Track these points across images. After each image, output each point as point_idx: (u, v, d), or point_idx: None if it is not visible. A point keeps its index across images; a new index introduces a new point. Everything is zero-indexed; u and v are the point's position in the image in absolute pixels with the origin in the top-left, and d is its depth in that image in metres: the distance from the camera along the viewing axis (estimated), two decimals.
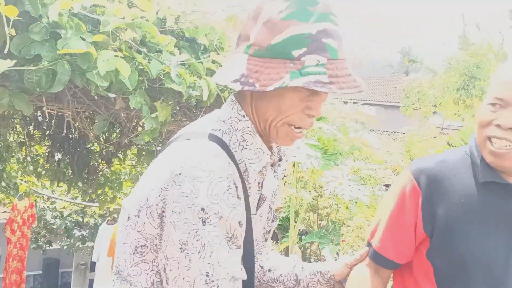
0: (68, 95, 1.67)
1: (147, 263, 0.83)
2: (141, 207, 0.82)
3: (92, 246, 8.03)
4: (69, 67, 1.43)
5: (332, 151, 3.59)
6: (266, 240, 1.10)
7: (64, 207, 9.25)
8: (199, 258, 0.76)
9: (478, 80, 8.68)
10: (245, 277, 0.83)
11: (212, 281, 0.76)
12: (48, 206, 9.14)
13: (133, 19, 1.58)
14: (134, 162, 3.83)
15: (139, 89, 1.65)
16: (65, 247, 10.21)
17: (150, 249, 0.83)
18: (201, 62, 1.91)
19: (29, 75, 1.39)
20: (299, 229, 8.22)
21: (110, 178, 3.84)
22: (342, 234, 6.13)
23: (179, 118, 2.04)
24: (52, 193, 7.25)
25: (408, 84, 10.94)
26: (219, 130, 0.89)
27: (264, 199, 0.99)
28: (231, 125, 0.90)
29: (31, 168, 4.09)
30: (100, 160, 3.60)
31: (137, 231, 0.83)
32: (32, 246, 8.83)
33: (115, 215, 6.67)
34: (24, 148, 3.72)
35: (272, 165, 0.99)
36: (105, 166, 3.68)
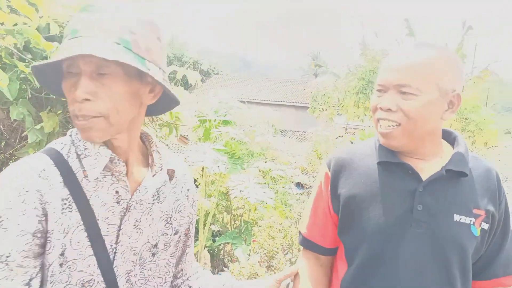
0: None
1: None
2: None
3: None
4: None
5: (239, 155, 3.66)
6: (153, 254, 1.02)
7: None
8: None
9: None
10: None
11: None
12: None
13: (14, 25, 1.48)
14: None
15: (22, 98, 1.54)
16: None
17: None
18: None
19: None
20: (214, 230, 8.25)
21: None
22: (253, 234, 6.28)
23: (71, 126, 1.94)
24: None
25: (315, 87, 11.51)
26: (61, 143, 0.93)
27: (129, 209, 0.95)
28: (76, 136, 0.93)
29: None
30: None
31: None
32: None
33: None
34: None
35: (153, 176, 1.00)
36: None
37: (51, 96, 1.58)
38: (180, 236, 1.10)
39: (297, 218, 7.47)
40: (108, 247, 0.92)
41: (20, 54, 1.56)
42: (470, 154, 1.20)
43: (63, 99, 1.29)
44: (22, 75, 1.54)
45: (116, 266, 0.93)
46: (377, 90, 1.14)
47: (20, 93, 1.51)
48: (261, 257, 6.54)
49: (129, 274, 0.97)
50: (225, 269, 6.94)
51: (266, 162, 6.92)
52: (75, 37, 0.84)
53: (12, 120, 1.54)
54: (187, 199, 1.11)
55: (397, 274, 1.10)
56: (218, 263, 8.27)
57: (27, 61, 1.57)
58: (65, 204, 0.87)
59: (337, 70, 12.21)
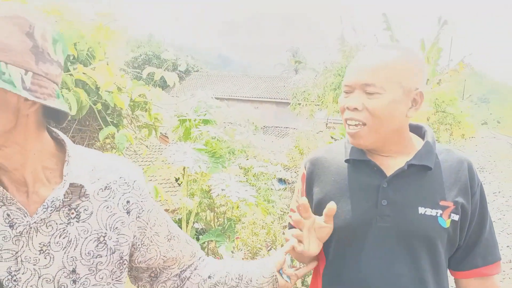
0: None
1: None
2: None
3: None
4: None
5: (220, 154, 3.66)
6: (74, 281, 0.89)
7: None
8: None
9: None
10: None
11: None
12: None
13: None
14: None
15: None
16: None
17: None
18: (70, 74, 1.82)
19: None
20: (197, 228, 8.24)
21: None
22: (237, 231, 6.30)
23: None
24: None
25: (294, 84, 11.58)
26: None
27: (29, 232, 0.85)
28: None
29: None
30: None
31: None
32: None
33: None
34: None
35: (65, 193, 0.89)
36: None
37: None
38: (122, 255, 0.96)
39: (280, 214, 7.53)
40: (5, 274, 0.83)
41: None
42: (443, 147, 1.23)
43: None
44: None
45: None
46: (344, 91, 1.17)
47: None
48: (244, 253, 6.58)
49: None
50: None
51: (247, 159, 6.95)
52: None
53: None
54: (127, 213, 0.96)
55: (367, 267, 1.14)
56: None
57: None
58: None
59: (316, 66, 12.31)
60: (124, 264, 0.98)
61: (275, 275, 1.15)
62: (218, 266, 1.17)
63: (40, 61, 0.80)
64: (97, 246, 0.91)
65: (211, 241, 6.66)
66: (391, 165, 1.17)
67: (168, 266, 1.13)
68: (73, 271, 0.89)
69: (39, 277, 0.86)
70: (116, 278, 0.97)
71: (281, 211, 7.49)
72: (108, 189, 0.94)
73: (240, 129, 3.81)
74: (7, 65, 0.75)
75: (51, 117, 0.91)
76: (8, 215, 0.84)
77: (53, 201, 0.86)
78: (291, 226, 1.34)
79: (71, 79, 1.77)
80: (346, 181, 1.20)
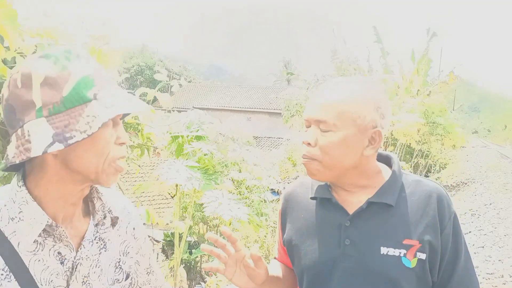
0: None
1: None
2: None
3: None
4: None
5: (213, 171, 3.66)
6: None
7: None
8: None
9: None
10: None
11: None
12: None
13: None
14: None
15: None
16: None
17: None
18: None
19: None
20: (190, 241, 8.16)
21: None
22: None
23: None
24: None
25: (287, 97, 11.64)
26: None
27: (76, 267, 0.89)
28: (10, 198, 0.85)
29: None
30: None
31: None
32: None
33: None
34: None
35: (96, 225, 0.95)
36: None
37: None
38: (132, 279, 1.05)
39: (273, 227, 7.52)
40: None
41: None
42: (412, 178, 1.17)
43: None
44: None
45: None
46: (305, 125, 1.15)
47: None
48: None
49: None
50: (202, 283, 6.89)
51: (240, 171, 6.95)
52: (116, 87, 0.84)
53: None
54: (134, 238, 1.05)
55: None
56: (195, 275, 8.21)
57: None
58: (2, 274, 0.81)
59: (308, 77, 12.40)
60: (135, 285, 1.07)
61: None
62: None
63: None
64: (115, 271, 0.99)
65: (204, 254, 6.63)
66: (354, 202, 1.13)
67: None
68: None
69: None
70: None
71: (274, 223, 7.48)
72: (117, 218, 0.99)
73: (232, 145, 3.81)
74: None
75: None
76: (59, 252, 0.87)
77: (94, 234, 0.93)
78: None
79: None
80: (314, 218, 1.17)
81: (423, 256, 1.08)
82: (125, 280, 1.01)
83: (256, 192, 7.53)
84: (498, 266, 5.10)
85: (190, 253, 7.88)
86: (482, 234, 6.63)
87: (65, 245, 0.87)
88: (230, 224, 5.03)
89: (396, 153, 9.65)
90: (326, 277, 1.13)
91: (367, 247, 1.09)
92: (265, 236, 6.95)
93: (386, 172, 1.17)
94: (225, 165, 6.95)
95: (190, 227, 7.43)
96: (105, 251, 0.96)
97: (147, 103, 2.53)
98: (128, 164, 2.61)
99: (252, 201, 7.48)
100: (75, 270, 0.89)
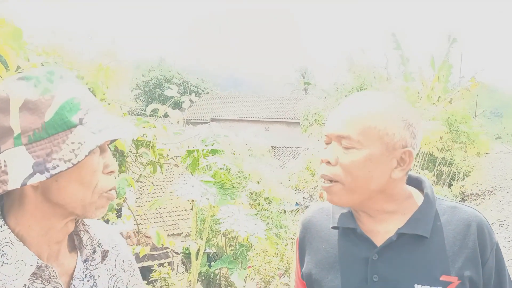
0: None
1: None
2: None
3: None
4: None
5: (229, 185, 3.58)
6: None
7: None
8: None
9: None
10: None
11: None
12: None
13: None
14: None
15: None
16: None
17: None
18: None
19: None
20: (209, 253, 8.09)
21: None
22: (249, 259, 6.17)
23: None
24: None
25: (305, 106, 11.55)
26: None
27: None
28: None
29: None
30: None
31: None
32: None
33: None
34: None
35: (85, 261, 0.87)
36: None
37: None
38: None
39: (294, 239, 7.38)
40: None
41: None
42: (447, 204, 1.05)
43: None
44: None
45: None
46: (324, 141, 1.03)
47: None
48: (257, 283, 6.42)
49: None
50: None
51: (258, 182, 6.85)
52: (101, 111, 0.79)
53: None
54: (124, 271, 0.97)
55: None
56: (215, 287, 8.11)
57: None
58: None
59: (325, 86, 12.28)
60: None
61: None
62: None
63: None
64: None
65: (223, 267, 6.54)
66: (382, 232, 1.01)
67: None
68: None
69: None
70: None
71: (293, 235, 7.34)
72: (107, 251, 0.92)
73: (249, 159, 3.73)
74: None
75: None
76: None
77: (84, 271, 0.86)
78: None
79: None
80: (336, 250, 1.06)
81: None
82: None
83: (276, 202, 7.40)
84: None
85: (209, 265, 7.81)
86: (511, 245, 6.35)
87: (53, 287, 0.80)
88: (247, 239, 4.94)
89: (418, 161, 9.41)
90: None
91: (399, 284, 0.97)
92: (284, 248, 6.80)
93: (417, 197, 1.05)
94: (244, 177, 6.86)
95: (209, 240, 7.36)
96: (95, 287, 0.88)
97: (159, 118, 2.47)
98: (141, 181, 2.55)
99: (271, 213, 7.36)
100: None
